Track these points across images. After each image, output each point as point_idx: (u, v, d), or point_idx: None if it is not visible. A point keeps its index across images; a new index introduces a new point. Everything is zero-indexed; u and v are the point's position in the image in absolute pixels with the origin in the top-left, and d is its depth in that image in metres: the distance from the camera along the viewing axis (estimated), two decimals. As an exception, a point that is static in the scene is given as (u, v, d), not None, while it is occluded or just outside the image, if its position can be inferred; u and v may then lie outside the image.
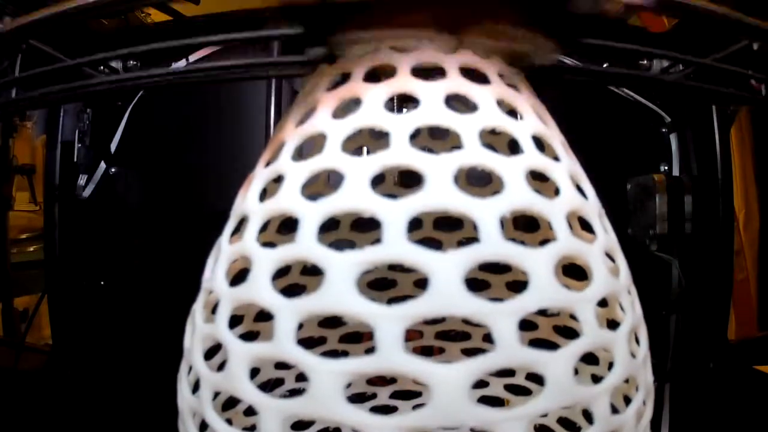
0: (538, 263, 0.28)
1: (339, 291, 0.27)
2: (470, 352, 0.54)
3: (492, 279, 0.48)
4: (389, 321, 0.26)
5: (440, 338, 0.55)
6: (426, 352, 0.55)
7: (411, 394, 0.55)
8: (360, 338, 0.52)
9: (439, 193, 0.28)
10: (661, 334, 0.76)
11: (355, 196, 0.29)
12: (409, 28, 0.31)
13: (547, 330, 0.47)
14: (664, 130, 0.77)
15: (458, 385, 0.26)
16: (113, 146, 0.76)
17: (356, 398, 0.53)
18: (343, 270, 0.27)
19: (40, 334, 1.05)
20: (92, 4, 0.32)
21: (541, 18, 0.30)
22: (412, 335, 0.53)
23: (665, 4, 0.33)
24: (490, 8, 0.30)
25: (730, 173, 0.77)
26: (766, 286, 1.23)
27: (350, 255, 0.27)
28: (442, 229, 0.51)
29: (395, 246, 0.27)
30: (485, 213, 0.28)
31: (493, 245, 0.27)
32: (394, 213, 0.28)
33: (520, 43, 0.32)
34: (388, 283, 0.52)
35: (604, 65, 0.63)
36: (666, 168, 0.77)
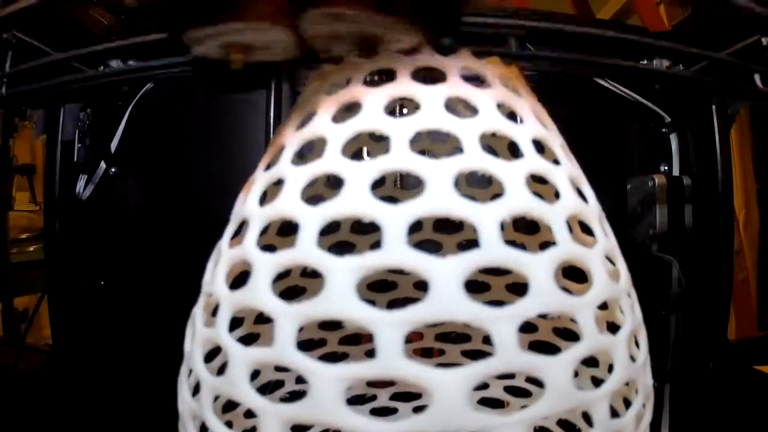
0: (538, 268, 0.28)
1: (339, 297, 0.27)
2: (470, 354, 0.54)
3: (492, 281, 0.48)
4: (389, 327, 0.26)
5: (440, 340, 0.55)
6: (426, 353, 0.55)
7: (411, 395, 0.55)
8: (360, 339, 0.52)
9: (440, 198, 0.28)
10: (661, 334, 0.76)
11: (355, 201, 0.29)
12: (250, 21, 0.30)
13: (546, 332, 0.47)
14: (664, 130, 0.77)
15: (458, 390, 0.26)
16: (113, 146, 0.76)
17: (356, 400, 0.53)
18: (343, 275, 0.27)
19: (40, 334, 1.05)
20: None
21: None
22: (412, 337, 0.53)
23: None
24: None
25: (730, 173, 0.77)
26: (766, 286, 1.23)
27: (350, 260, 0.27)
28: (443, 231, 0.51)
29: (395, 251, 0.27)
30: (485, 218, 0.28)
31: (493, 250, 0.27)
32: (394, 218, 0.28)
33: (368, 27, 0.30)
34: (388, 285, 0.52)
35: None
36: (666, 168, 0.77)
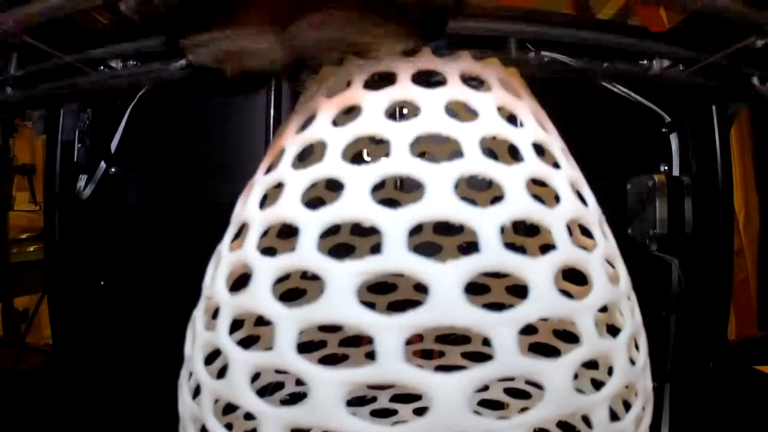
0: (538, 273, 0.28)
1: (339, 301, 0.27)
2: (470, 356, 0.54)
3: (492, 283, 0.48)
4: (389, 331, 0.26)
5: (440, 342, 0.55)
6: (426, 355, 0.55)
7: (411, 397, 0.55)
8: (360, 341, 0.52)
9: (439, 202, 0.28)
10: (661, 334, 0.76)
11: (356, 205, 0.29)
12: (244, 27, 0.31)
13: (546, 334, 0.47)
14: (664, 130, 0.77)
15: (458, 394, 0.26)
16: (113, 146, 0.76)
17: (356, 401, 0.53)
18: (343, 280, 0.27)
19: (40, 334, 1.05)
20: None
21: (382, 8, 0.30)
22: (412, 338, 0.52)
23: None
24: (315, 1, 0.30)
25: (730, 173, 0.77)
26: (766, 286, 1.22)
27: (350, 265, 0.27)
28: (443, 234, 0.51)
29: (395, 256, 0.27)
30: (485, 222, 0.28)
31: (493, 255, 0.27)
32: (395, 223, 0.28)
33: (355, 36, 0.31)
34: (388, 287, 0.52)
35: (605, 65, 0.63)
36: (666, 168, 0.77)
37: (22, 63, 0.53)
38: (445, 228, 0.50)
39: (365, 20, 0.29)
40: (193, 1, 0.28)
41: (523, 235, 0.44)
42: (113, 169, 0.76)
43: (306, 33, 0.30)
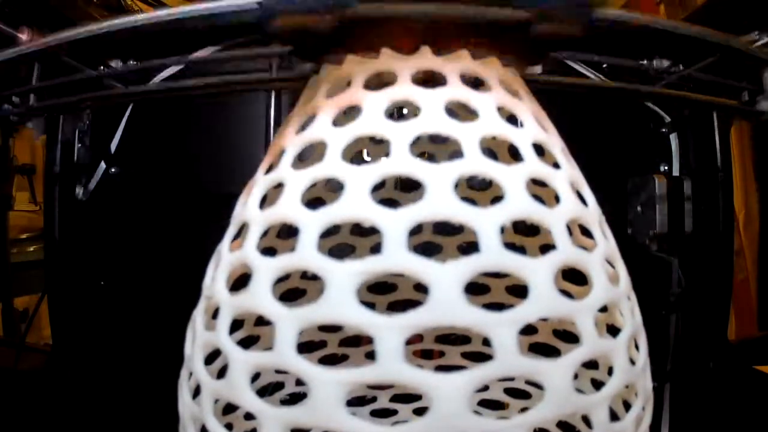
0: (538, 273, 0.28)
1: (339, 301, 0.27)
2: (470, 356, 0.54)
3: (492, 283, 0.48)
4: (389, 331, 0.26)
5: (440, 341, 0.55)
6: (426, 355, 0.55)
7: (411, 396, 0.55)
8: (360, 341, 0.52)
9: (440, 203, 0.28)
10: (661, 334, 0.76)
11: (356, 205, 0.29)
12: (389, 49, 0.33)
13: (546, 334, 0.47)
14: (664, 130, 0.77)
15: (458, 395, 0.26)
16: (113, 146, 0.76)
17: (356, 401, 0.53)
18: (343, 280, 0.27)
19: (40, 334, 1.05)
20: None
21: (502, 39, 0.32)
22: (412, 338, 0.52)
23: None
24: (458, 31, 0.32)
25: (730, 173, 0.77)
26: (766, 286, 1.22)
27: (350, 265, 0.27)
28: (443, 233, 0.51)
29: (395, 256, 0.27)
30: (485, 223, 0.28)
31: (493, 255, 0.27)
32: (395, 223, 0.28)
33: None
34: (388, 287, 0.52)
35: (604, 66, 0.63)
36: (666, 168, 0.77)
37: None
38: (445, 228, 0.50)
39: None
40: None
41: (524, 235, 0.44)
42: (113, 169, 0.76)
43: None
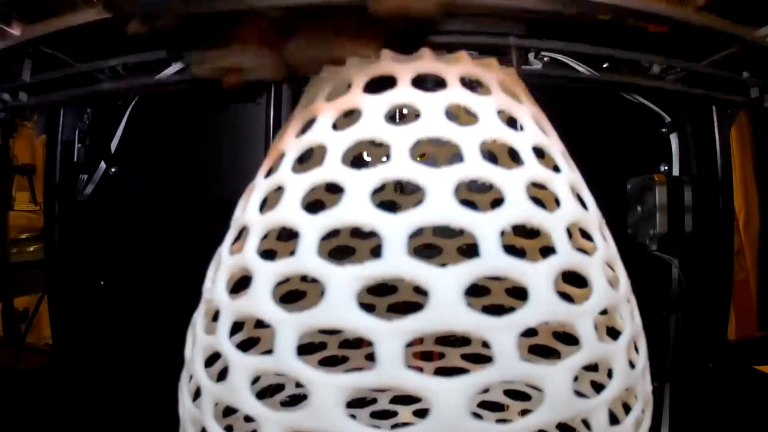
0: (537, 278, 0.28)
1: (339, 306, 0.27)
2: (470, 358, 0.54)
3: (492, 285, 0.48)
4: (389, 336, 0.26)
5: (440, 343, 0.55)
6: (426, 357, 0.55)
7: (411, 399, 0.55)
8: (360, 343, 0.52)
9: (440, 207, 0.28)
10: (661, 334, 0.76)
11: (356, 210, 0.29)
12: (243, 45, 0.33)
13: (546, 336, 0.47)
14: (664, 130, 0.77)
15: (458, 400, 0.26)
16: (113, 146, 0.76)
17: (356, 402, 0.53)
18: (343, 284, 0.27)
19: (40, 334, 1.05)
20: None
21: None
22: (412, 341, 0.52)
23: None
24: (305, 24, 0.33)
25: (730, 173, 0.77)
26: (766, 286, 1.22)
27: (350, 270, 0.27)
28: (443, 236, 0.51)
29: (395, 261, 0.27)
30: (485, 228, 0.28)
31: (493, 260, 0.27)
32: (394, 227, 0.28)
33: (341, 51, 0.34)
34: (388, 289, 0.52)
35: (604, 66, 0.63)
36: (666, 168, 0.77)
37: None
38: (445, 230, 0.50)
39: (343, 34, 0.33)
40: (193, 22, 0.29)
41: (524, 237, 0.44)
42: (113, 169, 0.76)
43: (299, 51, 0.34)
